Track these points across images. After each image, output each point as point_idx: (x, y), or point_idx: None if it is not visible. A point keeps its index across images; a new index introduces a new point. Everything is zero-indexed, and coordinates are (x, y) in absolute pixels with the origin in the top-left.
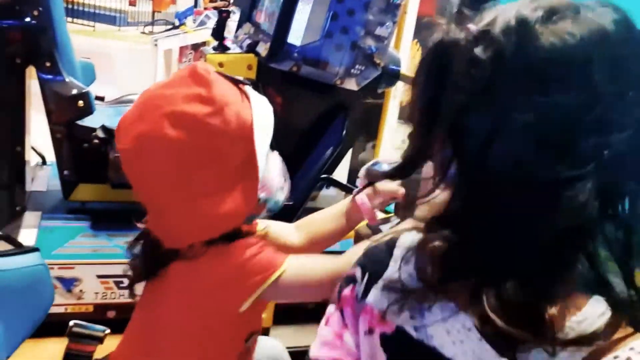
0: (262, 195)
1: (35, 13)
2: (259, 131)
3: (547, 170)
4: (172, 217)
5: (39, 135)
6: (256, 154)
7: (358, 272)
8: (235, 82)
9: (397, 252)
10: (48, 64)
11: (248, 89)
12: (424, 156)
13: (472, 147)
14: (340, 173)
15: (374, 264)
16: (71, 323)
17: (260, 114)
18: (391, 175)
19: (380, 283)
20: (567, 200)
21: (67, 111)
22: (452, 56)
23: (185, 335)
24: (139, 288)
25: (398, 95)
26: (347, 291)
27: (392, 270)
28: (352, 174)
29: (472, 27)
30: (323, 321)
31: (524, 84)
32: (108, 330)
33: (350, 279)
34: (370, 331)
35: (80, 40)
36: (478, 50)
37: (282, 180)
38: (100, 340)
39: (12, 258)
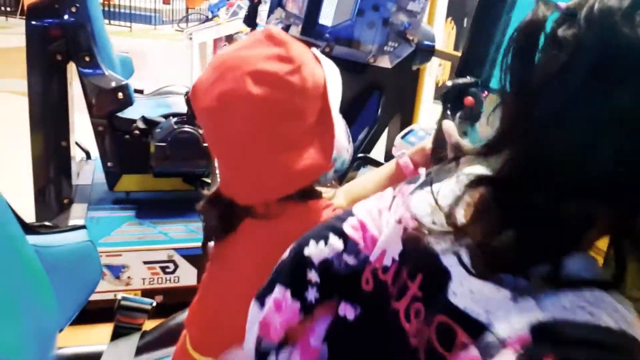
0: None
1: (73, 10)
2: (331, 91)
3: (599, 166)
4: (252, 172)
5: (82, 134)
6: (331, 111)
7: (423, 175)
8: (307, 45)
9: (457, 172)
10: (87, 59)
11: (316, 51)
12: (516, 134)
13: (535, 125)
14: (377, 152)
15: (437, 174)
16: (119, 296)
17: (331, 75)
18: (482, 153)
19: (428, 189)
20: (609, 199)
21: (108, 103)
22: (539, 34)
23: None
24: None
25: (433, 73)
26: (406, 187)
27: (443, 185)
28: (389, 153)
29: (562, 5)
30: (378, 194)
31: (596, 77)
32: (155, 303)
33: (415, 179)
34: (400, 221)
35: (117, 40)
36: (560, 32)
37: (347, 141)
38: (147, 312)
39: (61, 235)
